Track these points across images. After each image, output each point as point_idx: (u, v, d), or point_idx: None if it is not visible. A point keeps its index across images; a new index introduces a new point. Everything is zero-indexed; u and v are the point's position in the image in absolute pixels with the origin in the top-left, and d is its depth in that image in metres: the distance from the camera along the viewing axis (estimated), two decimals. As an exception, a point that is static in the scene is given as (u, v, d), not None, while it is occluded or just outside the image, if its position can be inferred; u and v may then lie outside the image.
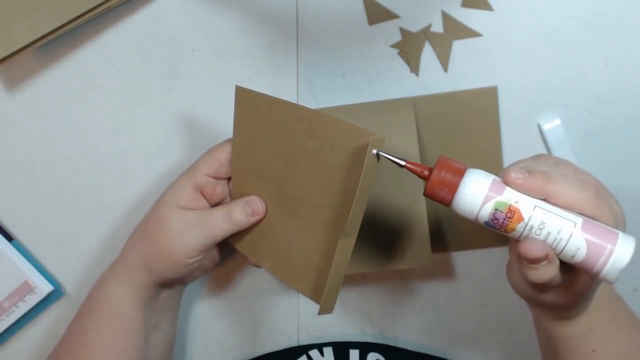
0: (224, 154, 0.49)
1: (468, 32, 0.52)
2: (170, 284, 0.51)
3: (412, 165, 0.39)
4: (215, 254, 0.52)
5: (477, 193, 0.37)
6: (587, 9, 0.51)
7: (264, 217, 0.48)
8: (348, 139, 0.40)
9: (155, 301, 0.51)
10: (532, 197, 0.37)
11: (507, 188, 0.37)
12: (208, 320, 0.59)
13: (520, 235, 0.37)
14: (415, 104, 0.52)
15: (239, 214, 0.47)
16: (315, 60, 0.54)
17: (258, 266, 0.49)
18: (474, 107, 0.52)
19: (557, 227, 0.36)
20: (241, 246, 0.50)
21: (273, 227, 0.47)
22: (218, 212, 0.48)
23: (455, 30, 0.52)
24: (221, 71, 0.54)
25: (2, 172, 0.57)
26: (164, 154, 0.56)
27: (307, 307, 0.58)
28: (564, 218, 0.36)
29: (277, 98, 0.45)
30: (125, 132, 0.56)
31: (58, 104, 0.56)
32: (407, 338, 0.58)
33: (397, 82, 0.53)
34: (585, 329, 0.44)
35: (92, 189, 0.57)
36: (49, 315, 0.59)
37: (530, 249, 0.36)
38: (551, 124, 0.52)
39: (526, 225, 0.37)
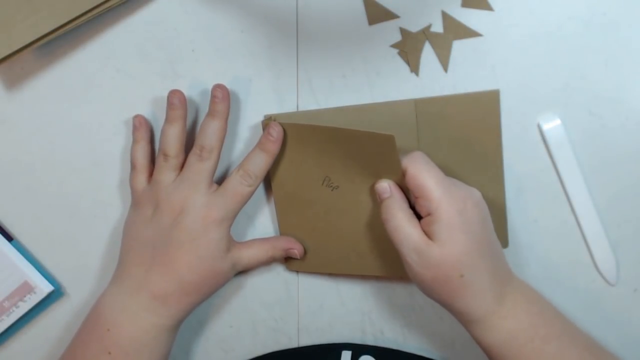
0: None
1: (468, 32, 0.52)
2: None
3: None
4: None
5: None
6: (587, 9, 0.51)
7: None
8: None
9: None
10: None
11: None
12: (208, 320, 0.59)
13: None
14: (417, 106, 0.52)
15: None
16: (315, 60, 0.54)
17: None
18: (476, 110, 0.52)
19: None
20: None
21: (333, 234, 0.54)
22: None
23: (455, 30, 0.52)
24: (221, 71, 0.54)
25: (2, 172, 0.57)
26: (164, 154, 0.56)
27: (307, 307, 0.58)
28: None
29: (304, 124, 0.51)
30: (125, 132, 0.56)
31: (58, 104, 0.56)
32: (407, 337, 0.58)
33: (397, 82, 0.53)
34: (504, 336, 0.46)
35: (92, 189, 0.57)
36: (49, 315, 0.59)
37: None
38: (551, 124, 0.52)
39: None
